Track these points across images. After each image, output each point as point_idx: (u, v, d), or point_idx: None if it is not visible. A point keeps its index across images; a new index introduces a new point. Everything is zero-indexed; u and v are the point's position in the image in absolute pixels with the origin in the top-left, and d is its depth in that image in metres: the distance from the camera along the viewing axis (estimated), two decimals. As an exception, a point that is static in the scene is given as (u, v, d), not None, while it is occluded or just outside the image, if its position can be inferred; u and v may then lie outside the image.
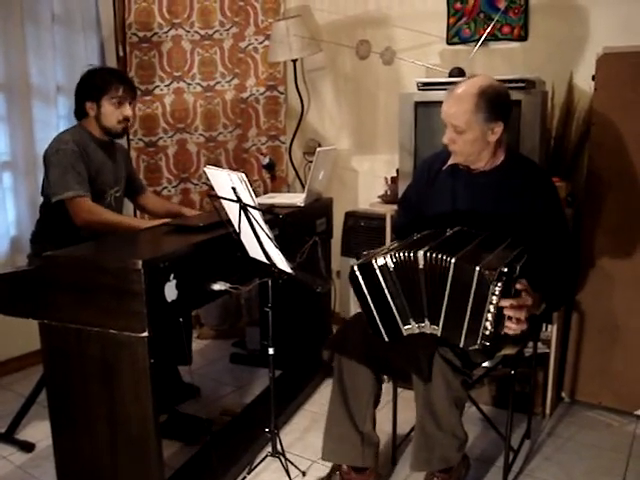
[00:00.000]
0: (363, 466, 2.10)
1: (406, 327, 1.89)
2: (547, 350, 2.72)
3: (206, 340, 3.75)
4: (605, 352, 2.76)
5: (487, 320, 1.72)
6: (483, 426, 2.65)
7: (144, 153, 3.63)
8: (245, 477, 2.27)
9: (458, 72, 2.79)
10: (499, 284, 1.68)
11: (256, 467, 2.30)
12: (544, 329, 2.72)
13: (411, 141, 2.80)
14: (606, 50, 2.62)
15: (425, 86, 2.77)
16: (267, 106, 3.76)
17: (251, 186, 1.77)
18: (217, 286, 1.99)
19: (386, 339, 1.91)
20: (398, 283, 1.83)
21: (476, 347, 1.76)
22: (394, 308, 1.86)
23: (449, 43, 3.28)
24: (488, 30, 3.04)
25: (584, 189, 2.77)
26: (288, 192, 3.70)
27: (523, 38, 3.07)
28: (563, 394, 2.88)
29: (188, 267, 1.91)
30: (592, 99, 2.71)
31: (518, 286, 1.76)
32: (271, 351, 2.07)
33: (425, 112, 2.75)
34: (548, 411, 2.76)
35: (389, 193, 3.07)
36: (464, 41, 3.23)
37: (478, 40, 3.06)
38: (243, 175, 1.66)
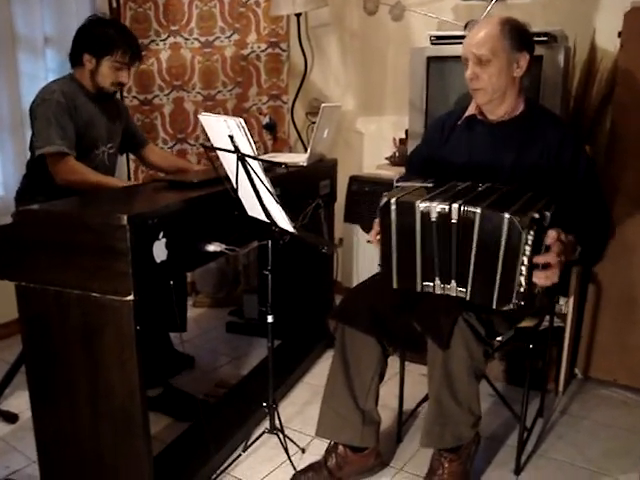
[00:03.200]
0: (361, 445, 1.95)
1: (425, 283, 1.72)
2: (562, 324, 2.56)
3: (202, 308, 3.59)
4: (622, 327, 2.61)
5: (521, 274, 1.55)
6: (493, 402, 2.51)
7: (139, 111, 3.45)
8: (240, 454, 2.13)
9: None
10: (531, 232, 1.52)
11: (252, 443, 2.16)
12: (559, 302, 2.56)
13: (422, 99, 2.62)
14: (635, 4, 2.43)
15: (439, 40, 2.57)
16: (269, 64, 3.56)
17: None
18: (212, 247, 1.82)
19: (394, 286, 1.76)
20: (435, 235, 1.66)
21: (510, 307, 1.59)
22: (419, 260, 1.70)
23: (463, -2, 3.07)
24: (506, -18, 2.84)
25: (605, 154, 2.60)
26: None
27: (543, -7, 2.87)
28: (576, 370, 2.73)
29: (180, 225, 1.74)
30: (617, 57, 2.53)
31: (550, 236, 1.58)
32: (270, 319, 1.90)
33: (438, 68, 2.56)
34: (561, 388, 2.61)
35: (397, 155, 2.91)
36: (480, -5, 3.02)
37: (495, -5, 2.86)
38: (241, 120, 1.48)
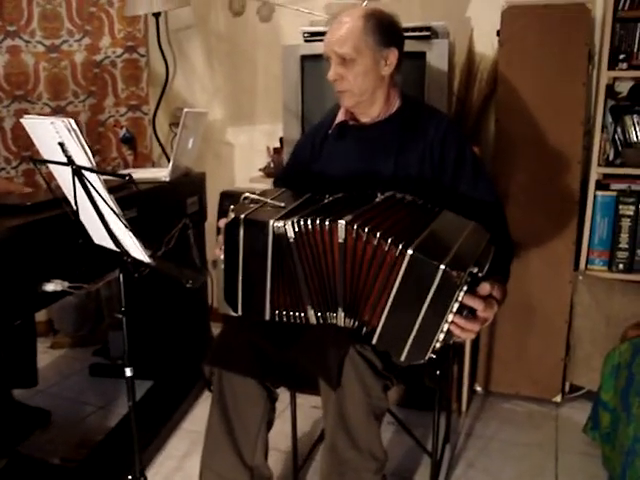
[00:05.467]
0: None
1: (288, 312, 1.49)
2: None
3: (61, 350, 3.13)
4: (521, 337, 2.51)
5: (442, 331, 1.32)
6: (394, 431, 2.29)
7: (-28, 126, 2.96)
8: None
9: (351, 20, 2.38)
10: (464, 287, 1.28)
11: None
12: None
13: (297, 102, 2.38)
14: (510, 3, 2.37)
15: (313, 36, 2.34)
16: (126, 71, 3.18)
17: (93, 155, 1.27)
18: (51, 286, 1.46)
19: (238, 313, 1.51)
20: (299, 259, 1.42)
21: (420, 362, 1.35)
22: (269, 285, 1.46)
23: (335, -5, 2.87)
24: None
25: (492, 156, 2.48)
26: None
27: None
28: (477, 386, 2.58)
29: (5, 261, 1.36)
30: (497, 57, 2.45)
31: (483, 289, 1.35)
32: (128, 372, 1.54)
33: (313, 67, 2.33)
34: (464, 408, 2.44)
35: (272, 165, 2.64)
36: (352, -8, 2.83)
37: (368, -9, 2.68)
38: (71, 121, 1.15)
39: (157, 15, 2.99)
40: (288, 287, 1.47)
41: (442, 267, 1.24)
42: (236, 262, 1.46)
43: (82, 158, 1.19)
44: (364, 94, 1.67)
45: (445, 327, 1.31)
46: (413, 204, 1.51)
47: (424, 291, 1.28)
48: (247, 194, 1.54)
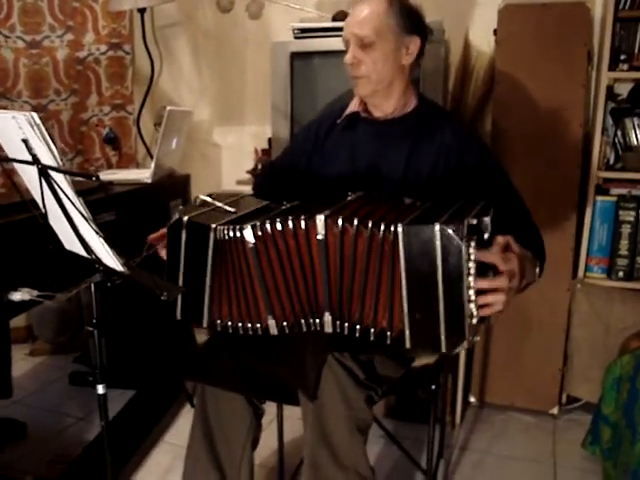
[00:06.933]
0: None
1: (239, 322, 1.37)
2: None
3: (41, 357, 3.01)
4: (516, 347, 2.43)
5: (469, 301, 1.18)
6: (384, 444, 2.20)
7: (-52, 125, 2.84)
8: None
9: (344, 16, 2.28)
10: (472, 243, 1.16)
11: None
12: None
13: (286, 102, 2.29)
14: (507, 1, 2.31)
15: (303, 33, 2.25)
16: (110, 68, 3.08)
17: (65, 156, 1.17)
18: (18, 295, 1.36)
19: (177, 317, 1.42)
20: (258, 266, 1.30)
21: (465, 346, 1.21)
22: (207, 292, 1.36)
23: (326, -8, 2.79)
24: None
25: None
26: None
27: (412, -13, 2.64)
28: (471, 397, 2.49)
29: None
30: (494, 56, 2.38)
31: (498, 242, 1.24)
32: (101, 390, 1.43)
33: (304, 65, 2.24)
34: (458, 420, 2.35)
35: (260, 167, 2.55)
36: (344, -11, 2.75)
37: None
38: (34, 115, 1.04)
39: (142, 11, 2.89)
40: (241, 296, 1.35)
41: (437, 227, 1.15)
42: (177, 265, 1.38)
43: (47, 156, 1.09)
44: (381, 82, 1.56)
45: (472, 295, 1.18)
46: (390, 200, 1.41)
47: (432, 263, 1.16)
48: (200, 196, 1.46)
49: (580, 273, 2.34)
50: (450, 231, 1.14)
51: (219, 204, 1.44)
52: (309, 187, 1.66)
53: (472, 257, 1.16)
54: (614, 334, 2.29)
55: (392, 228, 1.19)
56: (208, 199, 1.46)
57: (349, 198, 1.41)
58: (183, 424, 2.33)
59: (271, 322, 1.34)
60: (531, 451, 2.18)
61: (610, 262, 2.32)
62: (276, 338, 1.38)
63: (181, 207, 1.41)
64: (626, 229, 2.29)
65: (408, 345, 1.23)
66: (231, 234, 1.30)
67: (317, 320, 1.33)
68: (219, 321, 1.38)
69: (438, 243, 1.15)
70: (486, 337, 2.43)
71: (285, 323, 1.35)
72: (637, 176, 2.24)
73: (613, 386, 1.95)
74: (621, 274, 2.30)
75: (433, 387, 1.56)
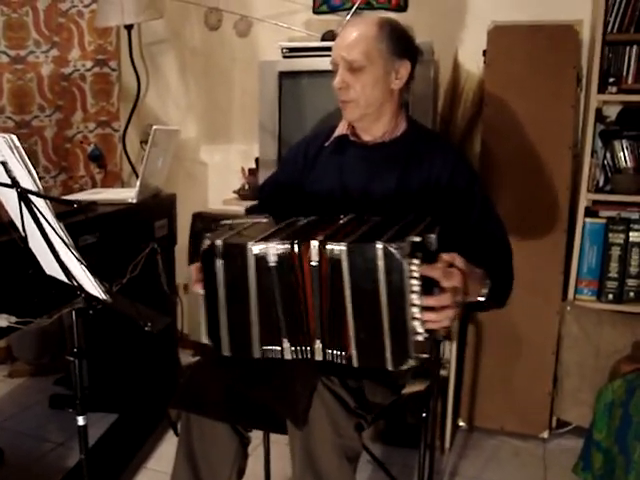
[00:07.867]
0: None
1: (267, 347, 1.31)
2: (444, 372, 2.28)
3: (20, 379, 2.93)
4: (505, 368, 2.40)
5: (414, 319, 1.17)
6: (372, 470, 2.15)
7: None
8: None
9: (333, 36, 2.27)
10: (415, 261, 1.15)
11: None
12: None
13: (274, 121, 2.26)
14: (497, 23, 2.31)
15: (292, 52, 2.23)
16: (96, 85, 3.07)
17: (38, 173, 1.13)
18: (-5, 321, 1.31)
19: (225, 353, 1.33)
20: (278, 286, 1.26)
21: (411, 364, 1.19)
22: (254, 317, 1.29)
23: (316, 12, 2.76)
24: (362, -3, 2.57)
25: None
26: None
27: (402, 8, 2.61)
28: (460, 421, 2.45)
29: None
30: (483, 77, 2.39)
31: (442, 259, 1.23)
32: (81, 421, 1.38)
33: (292, 84, 2.22)
34: (447, 445, 2.31)
35: (247, 187, 2.52)
36: (333, 10, 2.70)
37: (350, 9, 2.57)
38: (13, 137, 1.00)
39: (129, 27, 2.87)
40: (270, 319, 1.30)
41: (379, 245, 1.14)
42: (216, 294, 1.31)
43: (27, 179, 1.05)
44: (370, 107, 1.54)
45: (416, 312, 1.16)
46: (377, 221, 1.38)
47: (375, 281, 1.16)
48: (223, 221, 1.40)
49: (570, 295, 2.32)
50: (392, 249, 1.14)
51: (250, 221, 1.41)
52: (302, 205, 1.63)
53: (415, 275, 1.15)
54: (604, 357, 2.27)
55: (337, 247, 1.19)
56: (231, 222, 1.41)
57: (341, 222, 1.38)
58: (166, 450, 2.27)
59: (286, 345, 1.30)
60: (522, 477, 2.15)
61: (600, 284, 2.31)
62: (268, 364, 1.35)
63: (207, 234, 1.32)
64: (616, 251, 2.27)
65: (355, 364, 1.24)
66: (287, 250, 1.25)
67: (308, 348, 1.30)
68: (263, 347, 1.32)
69: (381, 262, 1.15)
70: (475, 360, 2.40)
71: (293, 348, 1.31)
72: (626, 198, 2.23)
73: (605, 412, 1.92)
74: (611, 296, 2.29)
75: (424, 414, 1.52)
